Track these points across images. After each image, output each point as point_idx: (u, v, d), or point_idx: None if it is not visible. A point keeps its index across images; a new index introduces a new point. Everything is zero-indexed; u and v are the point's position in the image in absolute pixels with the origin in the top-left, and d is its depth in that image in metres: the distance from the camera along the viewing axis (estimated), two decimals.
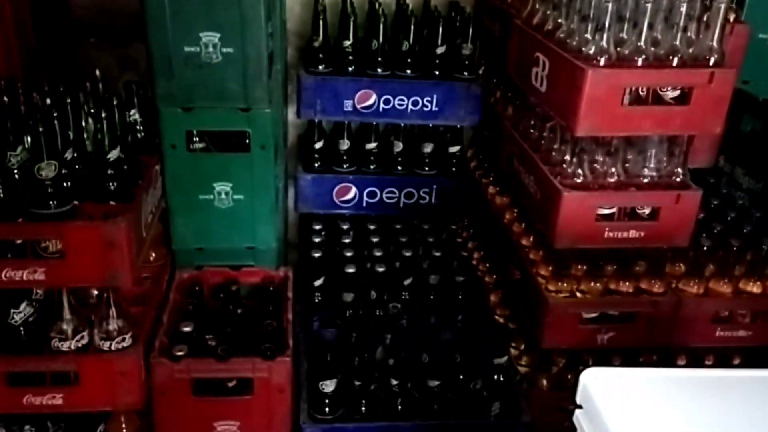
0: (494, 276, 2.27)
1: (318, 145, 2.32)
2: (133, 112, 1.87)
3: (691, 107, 1.54)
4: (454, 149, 2.38)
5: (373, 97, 2.20)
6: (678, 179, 1.69)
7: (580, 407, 0.88)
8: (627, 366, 1.82)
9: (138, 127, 1.88)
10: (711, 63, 1.53)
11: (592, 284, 1.79)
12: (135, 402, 1.66)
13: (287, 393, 1.72)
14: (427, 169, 2.37)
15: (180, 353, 1.66)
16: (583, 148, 1.66)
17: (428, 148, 2.35)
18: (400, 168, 2.36)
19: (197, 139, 1.86)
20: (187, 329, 1.72)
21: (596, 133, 1.56)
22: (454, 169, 2.39)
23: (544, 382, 1.89)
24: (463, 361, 1.83)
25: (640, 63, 1.51)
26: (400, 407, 1.75)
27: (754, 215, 1.94)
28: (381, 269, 2.04)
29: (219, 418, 1.72)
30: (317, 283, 2.07)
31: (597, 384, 0.88)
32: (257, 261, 2.02)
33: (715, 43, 1.52)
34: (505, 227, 2.09)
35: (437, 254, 2.19)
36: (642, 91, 1.55)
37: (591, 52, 1.52)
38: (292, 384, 1.75)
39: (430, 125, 2.34)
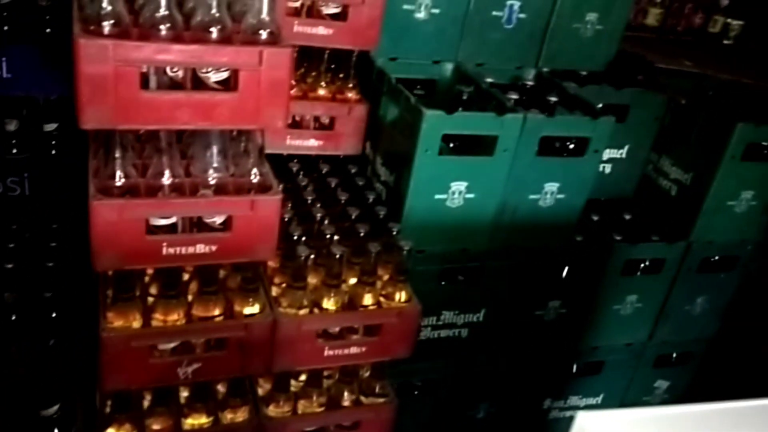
0: None
1: None
2: None
3: (240, 94, 1.21)
4: (49, 127, 1.88)
5: None
6: (255, 180, 1.39)
7: None
8: None
9: None
10: (263, 38, 1.21)
11: (170, 309, 1.45)
12: None
13: None
14: (15, 152, 1.85)
15: None
16: (123, 142, 1.27)
17: (12, 126, 1.83)
18: None
19: None
20: None
21: (110, 126, 1.17)
22: (54, 152, 1.89)
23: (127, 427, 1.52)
24: None
25: (164, 33, 1.14)
26: None
27: (379, 213, 1.72)
28: None
29: None
30: None
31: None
32: None
33: (265, 15, 1.20)
34: None
35: (10, 266, 1.71)
36: (173, 72, 1.19)
37: (97, 14, 1.12)
38: None
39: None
